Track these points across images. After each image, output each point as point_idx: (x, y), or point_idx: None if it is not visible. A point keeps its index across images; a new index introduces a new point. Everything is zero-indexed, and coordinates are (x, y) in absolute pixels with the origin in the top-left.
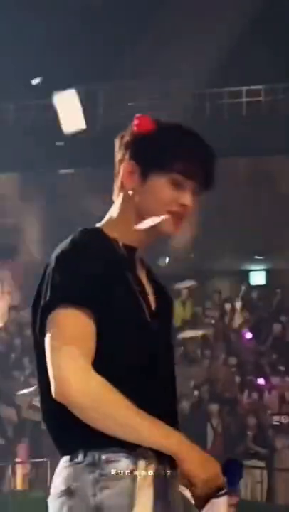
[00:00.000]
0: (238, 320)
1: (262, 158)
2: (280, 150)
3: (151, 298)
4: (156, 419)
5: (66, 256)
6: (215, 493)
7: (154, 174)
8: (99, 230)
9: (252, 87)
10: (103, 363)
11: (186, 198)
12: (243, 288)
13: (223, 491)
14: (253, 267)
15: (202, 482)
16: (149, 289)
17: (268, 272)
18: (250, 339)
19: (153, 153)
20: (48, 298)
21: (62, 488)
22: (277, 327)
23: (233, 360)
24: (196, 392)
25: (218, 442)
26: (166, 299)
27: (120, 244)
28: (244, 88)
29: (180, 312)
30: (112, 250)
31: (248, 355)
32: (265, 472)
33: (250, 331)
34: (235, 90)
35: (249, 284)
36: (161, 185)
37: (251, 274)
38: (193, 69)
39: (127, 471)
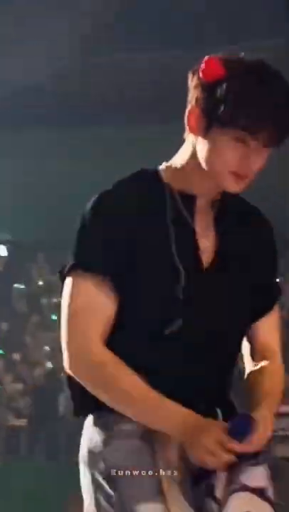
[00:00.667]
0: None
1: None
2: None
3: (210, 250)
4: (162, 399)
5: (91, 209)
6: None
7: (217, 129)
8: (153, 173)
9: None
10: (122, 332)
11: (251, 159)
12: None
13: (252, 461)
14: None
15: (199, 462)
16: (209, 240)
17: None
18: None
19: (216, 107)
20: (67, 262)
21: (82, 451)
22: None
23: None
24: (50, 360)
25: None
26: (253, 244)
27: (175, 190)
28: None
29: (37, 279)
30: (158, 198)
31: None
32: None
33: None
34: None
35: None
36: (224, 143)
37: None
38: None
39: (138, 430)
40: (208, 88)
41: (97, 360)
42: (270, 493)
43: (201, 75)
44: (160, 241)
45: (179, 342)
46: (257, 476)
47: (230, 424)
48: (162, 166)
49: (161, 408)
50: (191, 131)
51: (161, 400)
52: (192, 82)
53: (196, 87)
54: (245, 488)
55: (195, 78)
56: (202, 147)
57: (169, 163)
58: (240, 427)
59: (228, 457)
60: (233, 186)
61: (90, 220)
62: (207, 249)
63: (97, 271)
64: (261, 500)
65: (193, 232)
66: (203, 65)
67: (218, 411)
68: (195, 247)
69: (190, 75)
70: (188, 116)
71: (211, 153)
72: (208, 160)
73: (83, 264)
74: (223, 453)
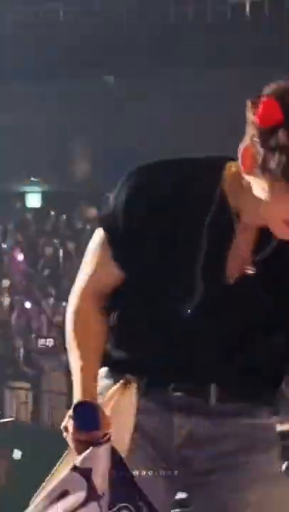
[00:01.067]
0: (10, 241)
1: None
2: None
3: (240, 269)
4: (85, 370)
5: (126, 179)
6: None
7: (270, 175)
8: (218, 169)
9: None
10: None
11: None
12: (17, 209)
13: (99, 441)
14: (28, 189)
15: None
16: (244, 258)
17: (43, 193)
18: (21, 261)
19: (269, 157)
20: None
21: None
22: (48, 250)
23: (5, 283)
24: None
25: None
26: None
27: (226, 198)
28: None
29: None
30: (203, 198)
31: (19, 277)
32: (30, 393)
33: (22, 253)
34: None
35: (24, 205)
36: (276, 190)
37: (26, 195)
38: None
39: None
40: (263, 132)
41: (72, 309)
42: (93, 474)
43: (257, 120)
44: (186, 244)
45: (183, 341)
46: (90, 457)
47: (74, 415)
48: (231, 166)
49: (77, 379)
50: (245, 169)
51: (83, 369)
52: (249, 113)
53: (252, 124)
54: (74, 468)
55: (251, 113)
56: (255, 185)
57: (235, 168)
58: (83, 416)
59: (73, 445)
60: (284, 234)
61: (118, 190)
62: (239, 268)
63: (106, 241)
64: (82, 479)
65: (228, 245)
66: (260, 109)
67: (212, 388)
68: (223, 261)
69: (249, 105)
70: (242, 152)
71: (263, 195)
72: (261, 202)
73: (102, 226)
74: (72, 441)
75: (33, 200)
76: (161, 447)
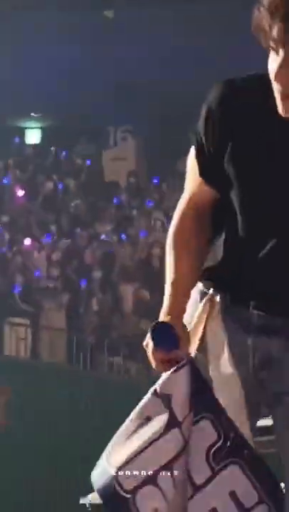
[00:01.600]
0: (10, 177)
1: None
2: None
3: None
4: (176, 279)
5: (219, 86)
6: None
7: None
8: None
9: None
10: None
11: None
12: (16, 145)
13: (176, 367)
14: (28, 125)
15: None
16: None
17: (43, 129)
18: (21, 197)
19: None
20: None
21: None
22: (49, 185)
23: (4, 218)
24: None
25: None
26: None
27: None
28: None
29: None
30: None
31: (18, 213)
32: (29, 330)
33: (22, 188)
34: None
35: (24, 141)
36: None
37: (26, 131)
38: None
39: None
40: None
41: (174, 223)
42: (173, 401)
43: None
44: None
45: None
46: (170, 383)
47: (153, 335)
48: None
49: (167, 292)
50: (278, 80)
51: (173, 283)
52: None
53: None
54: (154, 393)
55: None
56: None
57: None
58: (162, 335)
59: (154, 364)
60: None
61: (204, 104)
62: None
63: (194, 157)
64: (162, 405)
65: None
66: None
67: None
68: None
69: None
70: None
71: None
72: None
73: (194, 138)
74: (153, 360)
75: (33, 136)
76: (240, 368)
